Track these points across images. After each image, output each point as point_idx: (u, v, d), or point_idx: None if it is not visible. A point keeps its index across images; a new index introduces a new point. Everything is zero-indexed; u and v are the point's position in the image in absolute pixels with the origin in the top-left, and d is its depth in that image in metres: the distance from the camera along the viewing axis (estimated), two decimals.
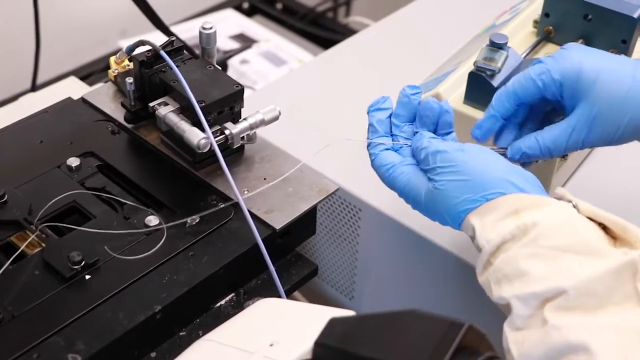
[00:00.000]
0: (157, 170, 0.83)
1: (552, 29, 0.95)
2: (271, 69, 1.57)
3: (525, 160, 0.77)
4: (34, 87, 1.33)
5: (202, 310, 0.75)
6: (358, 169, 0.87)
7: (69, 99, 0.91)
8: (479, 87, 0.83)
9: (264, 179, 0.81)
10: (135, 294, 0.71)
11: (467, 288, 0.86)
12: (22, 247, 0.73)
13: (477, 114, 0.83)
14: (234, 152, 0.83)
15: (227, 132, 0.80)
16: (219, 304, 0.76)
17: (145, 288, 0.71)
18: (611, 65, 0.73)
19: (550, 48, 0.95)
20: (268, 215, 0.78)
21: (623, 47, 0.91)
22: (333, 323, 0.55)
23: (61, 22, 1.57)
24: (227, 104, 0.80)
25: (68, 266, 0.71)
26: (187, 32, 1.63)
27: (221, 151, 0.76)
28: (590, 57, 0.74)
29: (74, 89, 1.09)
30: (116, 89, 0.90)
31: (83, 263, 0.71)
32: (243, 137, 0.81)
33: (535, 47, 0.93)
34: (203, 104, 0.77)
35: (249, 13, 1.76)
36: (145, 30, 1.53)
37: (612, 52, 0.88)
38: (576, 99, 0.73)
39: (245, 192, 0.80)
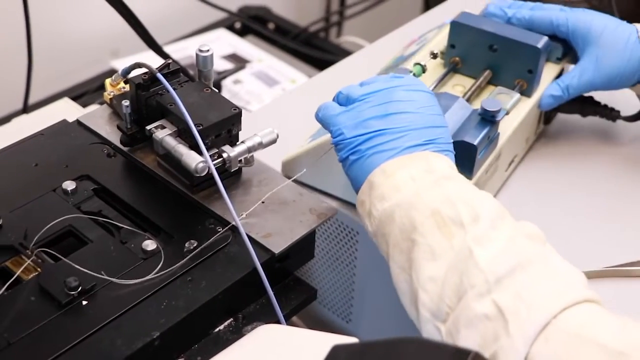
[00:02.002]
0: (153, 194, 0.82)
1: (459, 60, 0.95)
2: (264, 89, 1.57)
3: (554, 104, 0.95)
4: (26, 107, 1.32)
5: (200, 336, 0.74)
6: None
7: (64, 121, 0.90)
8: None
9: (262, 202, 0.81)
10: (133, 319, 0.70)
11: None
12: (18, 273, 0.72)
13: None
14: (232, 175, 0.82)
15: (224, 155, 0.79)
16: (217, 329, 0.75)
17: (143, 314, 0.70)
18: (613, 25, 0.94)
19: (458, 79, 0.96)
20: (266, 239, 0.77)
21: (529, 77, 0.92)
22: (336, 351, 0.55)
23: (53, 42, 1.57)
24: (224, 127, 0.79)
25: (64, 292, 0.70)
26: (180, 51, 1.63)
27: (219, 174, 0.76)
28: (598, 16, 0.95)
29: (68, 110, 1.08)
30: (112, 112, 0.90)
31: (80, 289, 0.70)
32: (241, 160, 0.80)
33: (443, 79, 0.94)
34: (201, 127, 0.77)
35: (241, 33, 1.76)
36: (138, 50, 1.53)
37: (518, 82, 0.93)
38: (585, 46, 0.94)
39: (243, 215, 0.79)
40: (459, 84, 0.95)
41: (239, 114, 0.80)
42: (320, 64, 1.69)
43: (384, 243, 0.74)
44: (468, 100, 0.90)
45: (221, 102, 0.81)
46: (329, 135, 0.83)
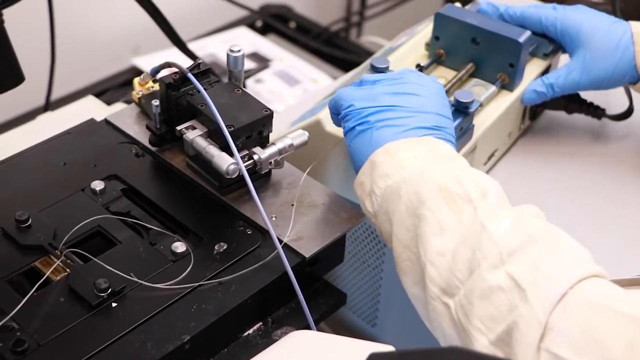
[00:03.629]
0: (182, 195, 0.81)
1: (443, 52, 0.95)
2: (285, 88, 1.56)
3: (537, 100, 0.94)
4: (48, 104, 1.32)
5: (230, 340, 0.73)
6: None
7: (92, 120, 0.89)
8: None
9: (292, 205, 0.80)
10: (163, 323, 0.69)
11: None
12: (48, 273, 0.71)
13: None
14: (261, 177, 0.82)
15: (255, 157, 0.78)
16: (246, 333, 0.74)
17: (173, 317, 0.70)
18: (605, 25, 0.92)
19: (442, 71, 0.95)
20: (297, 243, 0.76)
21: (511, 71, 0.92)
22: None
23: (75, 39, 1.56)
24: (255, 128, 0.78)
25: (94, 293, 0.69)
26: (200, 50, 1.62)
27: (249, 176, 0.75)
28: (591, 16, 0.93)
29: (93, 108, 1.08)
30: (140, 111, 0.89)
31: (110, 290, 0.70)
32: (271, 162, 0.80)
33: (426, 70, 0.94)
34: (232, 129, 0.76)
35: (262, 31, 1.75)
36: (158, 47, 1.53)
37: (500, 76, 0.93)
38: (575, 47, 0.92)
39: (274, 218, 0.78)
40: (442, 76, 0.94)
41: (270, 115, 0.79)
42: (342, 64, 1.69)
43: (387, 221, 0.72)
44: (448, 91, 0.89)
45: (252, 103, 0.80)
46: (313, 117, 0.85)
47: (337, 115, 0.79)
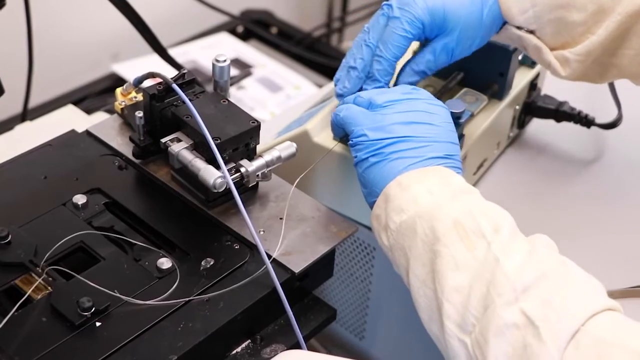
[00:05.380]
0: (167, 209, 0.79)
1: None
2: (267, 95, 1.54)
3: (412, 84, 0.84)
4: (26, 111, 1.29)
5: (218, 358, 0.71)
6: None
7: (73, 131, 0.87)
8: None
9: (280, 218, 0.78)
10: (149, 342, 0.67)
11: None
12: (29, 292, 0.69)
13: (344, 150, 0.82)
14: (248, 190, 0.80)
15: (242, 169, 0.76)
16: (235, 351, 0.72)
17: (160, 336, 0.68)
18: (466, 12, 0.81)
19: (430, 80, 0.94)
20: (286, 258, 0.74)
21: (500, 80, 0.90)
22: None
23: (53, 45, 1.53)
24: (242, 140, 0.76)
25: (77, 312, 0.67)
26: (181, 56, 1.60)
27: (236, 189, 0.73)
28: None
29: (73, 118, 1.06)
30: (122, 122, 0.87)
31: (93, 309, 0.67)
32: (258, 175, 0.78)
33: None
34: (218, 141, 0.74)
35: (244, 37, 1.73)
36: (138, 53, 1.50)
37: (490, 85, 0.91)
38: (439, 34, 0.81)
39: (261, 232, 0.76)
40: (430, 85, 0.93)
41: (258, 127, 0.77)
42: (324, 70, 1.67)
43: (403, 257, 0.72)
44: None
45: (239, 114, 0.78)
46: (300, 128, 0.83)
47: (341, 129, 0.78)
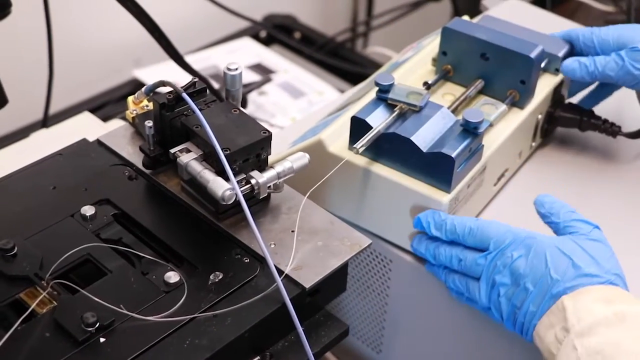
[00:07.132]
0: (177, 221, 0.77)
1: (450, 68, 0.91)
2: (289, 101, 1.52)
3: (577, 72, 0.88)
4: (46, 118, 1.28)
5: None
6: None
7: (84, 140, 0.85)
8: (363, 132, 0.78)
9: (292, 231, 0.76)
10: (154, 359, 0.65)
11: (497, 345, 0.81)
12: (33, 306, 0.68)
13: (360, 160, 0.81)
14: (259, 202, 0.78)
15: (253, 181, 0.74)
16: None
17: (166, 353, 0.66)
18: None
19: (449, 88, 0.91)
20: (297, 272, 0.72)
21: (522, 88, 0.87)
22: None
23: (74, 51, 1.53)
24: (253, 151, 0.74)
25: (81, 328, 0.66)
26: (203, 61, 1.59)
27: (246, 201, 0.71)
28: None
29: (88, 125, 1.04)
30: (134, 131, 0.85)
31: (97, 325, 0.66)
32: (270, 186, 0.76)
33: (433, 87, 0.90)
34: (228, 152, 0.72)
35: (266, 42, 1.71)
36: (160, 59, 1.49)
37: (510, 93, 0.88)
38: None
39: (272, 245, 0.74)
40: (449, 93, 0.90)
41: (269, 138, 0.75)
42: (347, 75, 1.65)
43: None
44: (455, 109, 0.86)
45: (250, 124, 0.76)
46: (314, 137, 0.82)
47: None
